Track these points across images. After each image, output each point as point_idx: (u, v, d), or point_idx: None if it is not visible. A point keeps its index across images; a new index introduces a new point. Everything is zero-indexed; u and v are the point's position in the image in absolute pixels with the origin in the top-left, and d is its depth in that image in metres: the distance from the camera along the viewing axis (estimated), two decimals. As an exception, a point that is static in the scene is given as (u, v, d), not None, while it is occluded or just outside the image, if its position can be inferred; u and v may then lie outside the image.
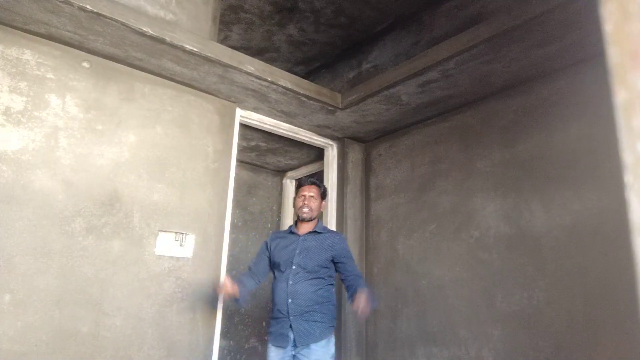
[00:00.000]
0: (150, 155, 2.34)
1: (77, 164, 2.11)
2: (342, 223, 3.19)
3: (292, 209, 4.34)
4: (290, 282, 2.17)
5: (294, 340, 2.09)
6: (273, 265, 2.32)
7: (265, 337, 4.06)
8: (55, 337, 1.92)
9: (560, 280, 2.12)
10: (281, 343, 2.12)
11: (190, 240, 2.40)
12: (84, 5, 1.88)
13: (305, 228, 2.35)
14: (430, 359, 2.61)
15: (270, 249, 2.35)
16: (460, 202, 2.66)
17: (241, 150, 3.81)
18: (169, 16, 2.35)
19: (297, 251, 2.24)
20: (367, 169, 3.42)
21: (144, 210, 2.26)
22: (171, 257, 2.31)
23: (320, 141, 3.35)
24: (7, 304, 1.83)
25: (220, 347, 2.51)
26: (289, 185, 4.49)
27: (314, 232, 2.32)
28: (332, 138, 3.39)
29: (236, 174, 2.82)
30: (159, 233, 2.30)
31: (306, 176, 2.57)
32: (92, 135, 2.18)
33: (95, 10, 1.92)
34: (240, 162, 4.06)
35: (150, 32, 2.07)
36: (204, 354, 2.33)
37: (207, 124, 2.61)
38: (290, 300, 2.14)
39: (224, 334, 3.79)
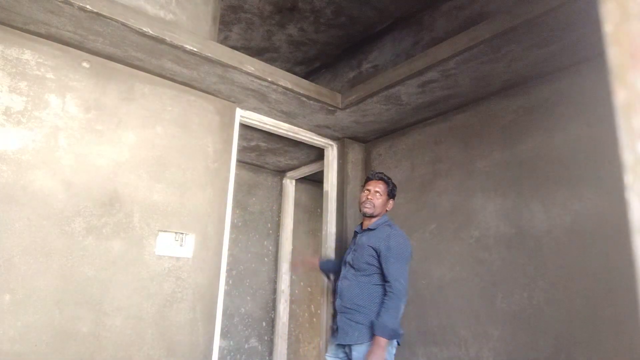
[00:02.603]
0: (150, 155, 2.34)
1: (77, 164, 2.11)
2: (342, 223, 3.19)
3: (292, 209, 4.39)
4: (340, 280, 2.22)
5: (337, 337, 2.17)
6: None
7: (265, 337, 4.08)
8: (55, 337, 1.92)
9: (560, 280, 2.12)
10: (332, 338, 2.23)
11: (190, 240, 2.40)
12: (84, 5, 1.88)
13: (367, 224, 2.30)
14: (430, 358, 2.61)
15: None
16: (460, 202, 2.66)
17: (241, 150, 3.81)
18: (169, 16, 2.35)
19: (353, 249, 2.25)
20: (367, 169, 3.41)
21: (144, 210, 2.26)
22: (171, 257, 2.31)
23: (320, 141, 3.35)
24: (7, 304, 1.83)
25: (220, 347, 2.51)
26: (289, 185, 4.50)
27: (368, 229, 2.27)
28: (332, 138, 3.39)
29: (236, 174, 2.82)
30: (159, 233, 2.30)
31: (374, 172, 2.47)
32: (92, 135, 2.18)
33: (95, 10, 1.92)
34: (240, 162, 4.06)
35: (150, 32, 2.07)
36: (204, 354, 2.33)
37: (207, 124, 2.61)
38: (338, 297, 2.21)
39: (224, 334, 3.79)
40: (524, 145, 2.40)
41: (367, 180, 2.36)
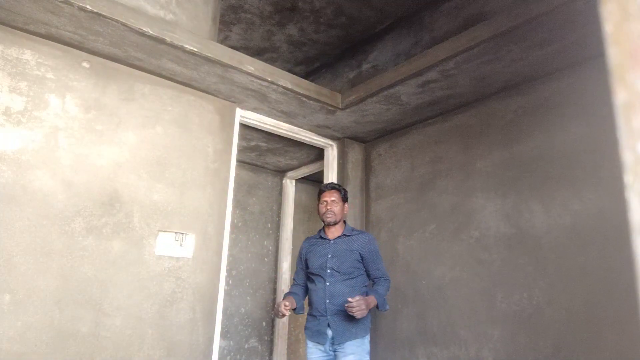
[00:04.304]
0: (150, 155, 2.34)
1: (77, 164, 2.11)
2: (342, 223, 3.19)
3: (292, 209, 4.39)
4: (328, 284, 2.30)
5: (333, 338, 2.23)
6: (309, 270, 2.44)
7: (265, 337, 4.08)
8: (55, 337, 1.92)
9: (560, 280, 2.12)
10: (319, 340, 2.27)
11: (190, 240, 2.40)
12: (84, 5, 1.88)
13: (334, 232, 2.45)
14: (430, 359, 2.61)
15: (305, 258, 2.49)
16: (460, 202, 2.66)
17: (241, 150, 3.81)
18: (169, 16, 2.35)
19: (330, 255, 2.36)
20: (367, 169, 3.42)
21: (144, 210, 2.26)
22: (171, 257, 2.31)
23: (320, 141, 3.35)
24: (7, 304, 1.83)
25: (220, 347, 2.51)
26: (289, 185, 4.50)
27: (344, 235, 2.42)
28: (332, 138, 3.39)
29: (236, 174, 2.83)
30: (159, 233, 2.30)
31: (327, 183, 2.67)
32: (92, 135, 2.18)
33: (95, 10, 1.92)
34: (240, 162, 4.06)
35: (150, 32, 2.07)
36: (204, 354, 2.33)
37: (207, 124, 2.61)
38: (328, 301, 2.28)
39: (224, 334, 3.79)
40: (524, 145, 2.40)
41: (321, 192, 2.50)
